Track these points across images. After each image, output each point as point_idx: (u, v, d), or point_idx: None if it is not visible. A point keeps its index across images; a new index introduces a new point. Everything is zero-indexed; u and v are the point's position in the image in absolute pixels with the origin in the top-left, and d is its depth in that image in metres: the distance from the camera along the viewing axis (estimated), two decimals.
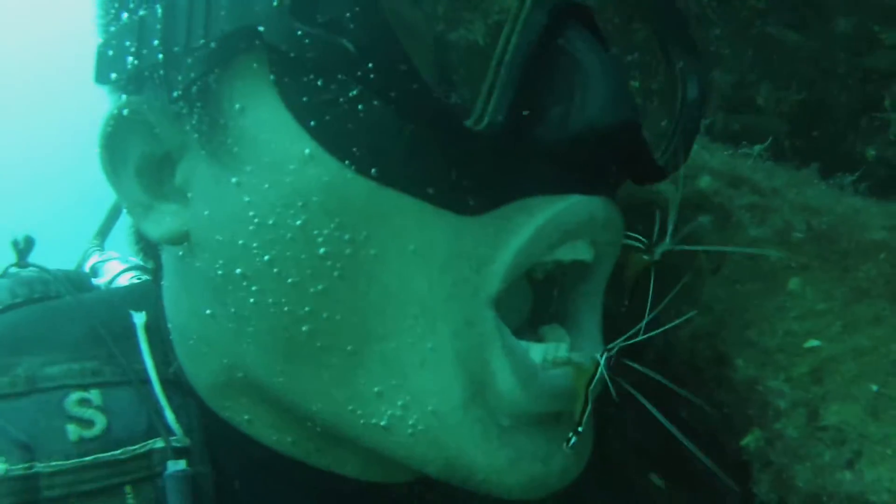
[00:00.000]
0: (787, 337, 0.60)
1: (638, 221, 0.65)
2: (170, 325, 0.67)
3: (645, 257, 0.61)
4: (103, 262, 1.09)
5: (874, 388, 0.54)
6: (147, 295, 0.71)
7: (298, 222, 0.52)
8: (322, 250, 0.52)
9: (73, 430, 0.59)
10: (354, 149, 0.50)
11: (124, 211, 1.26)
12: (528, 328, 0.63)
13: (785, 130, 1.04)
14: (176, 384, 0.65)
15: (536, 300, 0.63)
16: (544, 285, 0.63)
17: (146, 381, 0.64)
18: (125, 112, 0.59)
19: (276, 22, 0.48)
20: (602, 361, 0.57)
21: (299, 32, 0.48)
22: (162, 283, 0.68)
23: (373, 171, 0.51)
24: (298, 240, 0.53)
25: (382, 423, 0.55)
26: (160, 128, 0.58)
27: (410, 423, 0.55)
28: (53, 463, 0.57)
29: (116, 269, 1.04)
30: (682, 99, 0.64)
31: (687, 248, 0.62)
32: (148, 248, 0.74)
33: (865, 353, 0.56)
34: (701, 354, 0.63)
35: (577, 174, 0.55)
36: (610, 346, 0.58)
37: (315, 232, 0.52)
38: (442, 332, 0.54)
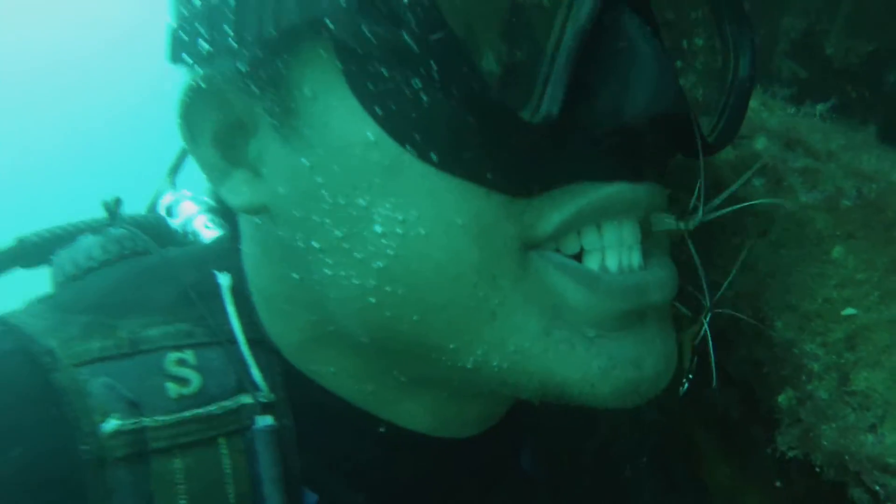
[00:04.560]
0: (825, 303, 0.63)
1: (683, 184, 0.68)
2: (251, 289, 0.72)
3: (680, 225, 0.63)
4: (177, 201, 1.14)
5: None
6: (227, 254, 0.75)
7: (363, 202, 0.56)
8: (379, 229, 0.56)
9: (172, 388, 0.65)
10: (415, 135, 0.54)
11: None
12: None
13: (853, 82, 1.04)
14: (260, 343, 0.70)
15: None
16: None
17: (233, 341, 0.69)
18: (202, 84, 0.62)
19: (344, 18, 0.52)
20: (706, 319, 0.62)
21: (365, 30, 0.51)
22: (241, 247, 0.73)
23: (432, 156, 0.54)
24: (363, 218, 0.57)
25: (469, 367, 0.60)
26: (234, 98, 0.62)
27: (495, 364, 0.59)
28: (158, 418, 0.63)
29: (191, 210, 1.09)
30: (733, 74, 0.65)
31: (713, 215, 0.64)
32: (225, 213, 0.78)
33: None
34: (743, 314, 0.67)
35: (626, 160, 0.57)
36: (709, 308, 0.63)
37: (374, 211, 0.56)
38: (503, 284, 0.57)
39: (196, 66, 0.63)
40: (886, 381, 0.58)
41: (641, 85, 0.53)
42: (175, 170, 1.26)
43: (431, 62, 0.51)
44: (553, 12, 0.54)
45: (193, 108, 0.64)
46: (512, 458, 0.80)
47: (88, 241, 0.87)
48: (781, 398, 0.63)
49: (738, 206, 0.67)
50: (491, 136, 0.54)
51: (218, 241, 0.91)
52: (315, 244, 0.60)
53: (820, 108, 0.87)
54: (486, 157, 0.54)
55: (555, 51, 0.53)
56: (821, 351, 0.62)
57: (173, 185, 1.22)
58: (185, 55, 0.63)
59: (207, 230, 1.04)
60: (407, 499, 0.72)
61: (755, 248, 0.68)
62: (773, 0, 1.09)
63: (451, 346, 0.59)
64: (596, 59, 0.54)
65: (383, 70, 0.53)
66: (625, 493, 0.84)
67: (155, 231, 0.94)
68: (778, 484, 0.77)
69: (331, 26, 0.53)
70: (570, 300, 0.58)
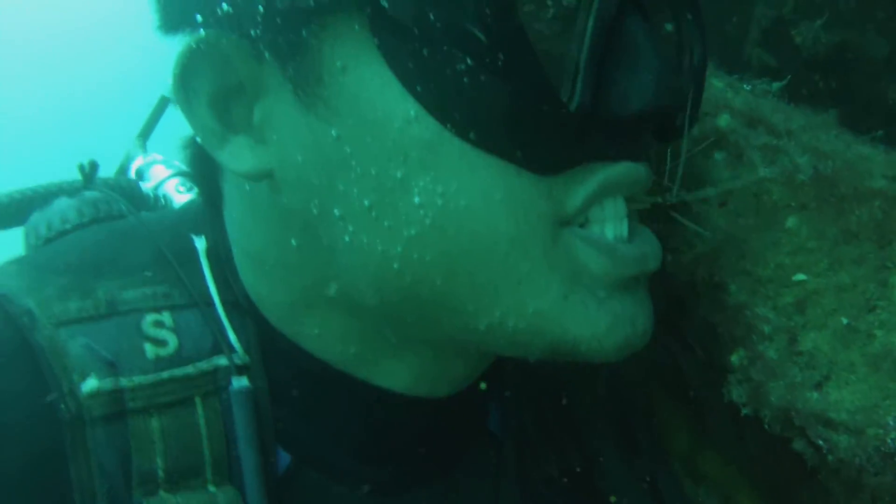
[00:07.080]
0: (777, 269, 0.66)
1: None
2: (235, 251, 0.72)
3: (658, 199, 0.68)
4: (148, 165, 1.14)
5: (844, 321, 0.60)
6: (203, 217, 0.76)
7: (399, 174, 0.58)
8: (417, 199, 0.58)
9: (150, 349, 0.66)
10: (456, 114, 0.56)
11: (164, 113, 1.31)
12: None
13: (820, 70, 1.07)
14: (235, 306, 0.71)
15: None
16: None
17: (210, 303, 0.70)
18: (203, 46, 0.61)
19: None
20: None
21: (426, 13, 0.53)
22: (224, 212, 0.73)
23: (471, 134, 0.56)
24: (397, 189, 0.58)
25: (481, 328, 0.62)
26: (238, 62, 0.61)
27: (511, 324, 0.61)
28: (135, 378, 0.64)
29: (162, 174, 1.10)
30: (689, 62, 0.68)
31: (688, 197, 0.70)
32: (199, 177, 0.77)
33: (845, 290, 0.63)
34: (700, 278, 0.70)
35: (630, 143, 0.62)
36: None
37: (412, 183, 0.58)
38: (534, 254, 0.60)
39: (197, 27, 0.62)
40: (832, 342, 0.61)
41: (650, 81, 0.58)
42: (145, 133, 1.26)
43: (493, 50, 0.54)
44: (579, 19, 0.58)
45: (190, 70, 0.62)
46: (482, 418, 0.82)
47: (63, 204, 0.87)
48: (733, 357, 0.66)
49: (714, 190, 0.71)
50: (528, 119, 0.57)
51: (193, 205, 0.91)
52: (336, 212, 0.61)
53: (776, 85, 0.91)
54: (520, 137, 0.57)
55: (583, 49, 0.57)
56: (772, 314, 0.64)
57: (144, 148, 1.22)
58: (186, 15, 0.63)
59: (179, 194, 1.05)
60: (378, 457, 0.74)
61: (715, 217, 0.71)
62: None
63: (470, 309, 0.61)
64: (617, 59, 0.59)
65: (425, 49, 0.55)
66: (587, 457, 0.87)
67: (128, 195, 0.95)
68: (733, 446, 0.80)
69: (384, 5, 0.54)
70: (592, 268, 0.61)
